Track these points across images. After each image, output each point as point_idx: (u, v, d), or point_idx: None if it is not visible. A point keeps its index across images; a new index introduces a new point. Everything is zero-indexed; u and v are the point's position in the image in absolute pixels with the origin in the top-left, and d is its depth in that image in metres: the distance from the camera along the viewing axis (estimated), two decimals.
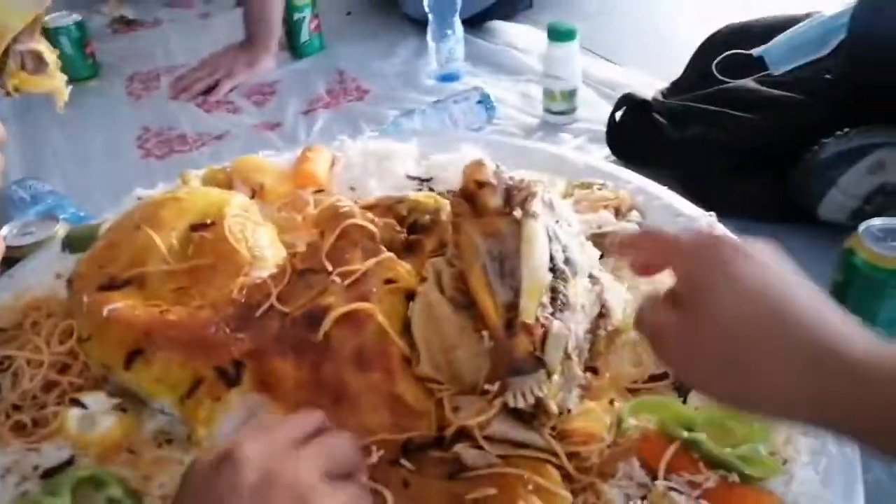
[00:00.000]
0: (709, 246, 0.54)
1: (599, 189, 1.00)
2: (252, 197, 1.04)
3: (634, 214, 0.96)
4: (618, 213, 0.95)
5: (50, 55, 0.77)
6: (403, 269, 0.81)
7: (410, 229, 0.90)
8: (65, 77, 0.79)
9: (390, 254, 0.83)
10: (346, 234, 0.86)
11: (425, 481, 0.65)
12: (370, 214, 0.90)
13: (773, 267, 0.52)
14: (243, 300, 0.79)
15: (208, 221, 0.88)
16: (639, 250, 0.61)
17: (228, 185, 1.06)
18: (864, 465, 0.66)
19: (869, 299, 0.86)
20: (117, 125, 1.63)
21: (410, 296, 0.78)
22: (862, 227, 0.85)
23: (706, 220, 0.94)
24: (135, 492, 0.70)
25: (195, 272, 0.84)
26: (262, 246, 0.89)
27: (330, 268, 0.80)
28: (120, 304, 0.78)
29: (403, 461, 0.66)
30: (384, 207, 0.93)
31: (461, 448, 0.66)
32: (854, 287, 0.87)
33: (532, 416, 0.65)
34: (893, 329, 0.86)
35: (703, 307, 0.52)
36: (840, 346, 0.47)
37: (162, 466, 0.72)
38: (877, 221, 0.85)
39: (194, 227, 0.88)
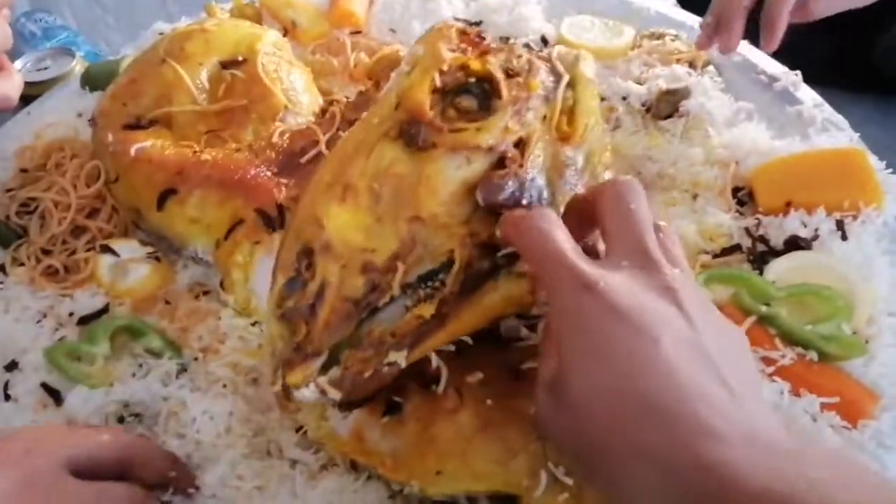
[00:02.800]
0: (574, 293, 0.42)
1: (673, 40, 0.89)
2: (284, 35, 0.94)
3: (711, 70, 0.86)
4: (692, 66, 0.86)
5: None
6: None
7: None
8: None
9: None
10: None
11: (478, 349, 0.61)
12: None
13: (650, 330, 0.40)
14: (286, 145, 0.72)
15: (240, 58, 0.80)
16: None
17: (258, 21, 0.97)
18: None
19: None
20: None
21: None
22: None
23: (789, 79, 0.84)
24: (173, 343, 0.67)
25: (227, 114, 0.77)
26: (298, 90, 0.82)
27: None
28: (148, 143, 0.72)
29: None
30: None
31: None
32: None
33: None
34: None
35: (564, 391, 0.43)
36: (703, 445, 0.37)
37: (199, 318, 0.69)
38: None
39: (225, 65, 0.79)
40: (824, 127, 0.78)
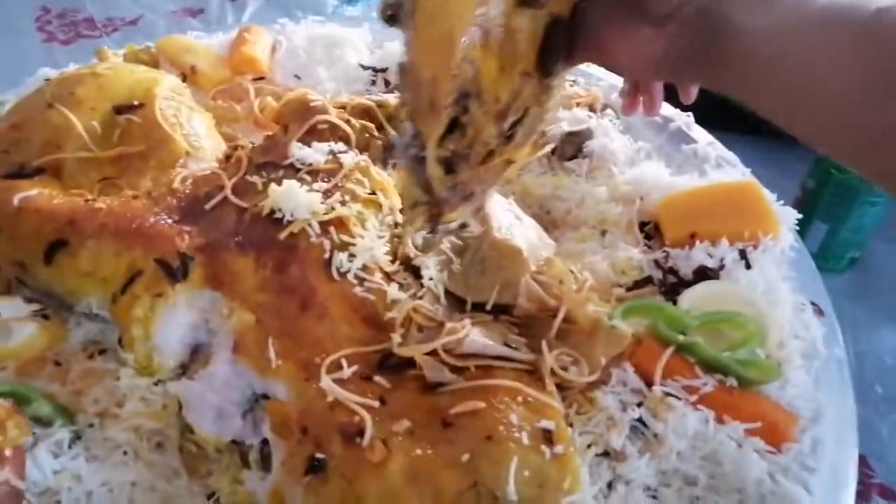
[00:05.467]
0: None
1: (572, 86, 0.93)
2: (183, 81, 0.91)
3: (609, 112, 0.89)
4: (591, 109, 0.89)
5: None
6: (382, 180, 0.73)
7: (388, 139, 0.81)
8: None
9: (366, 157, 0.74)
10: (316, 131, 0.77)
11: (403, 396, 0.58)
12: (345, 114, 0.80)
13: None
14: (188, 191, 0.68)
15: (136, 103, 0.75)
16: None
17: (154, 66, 0.93)
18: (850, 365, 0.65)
19: (838, 205, 0.86)
20: (10, 3, 1.42)
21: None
22: None
23: (683, 120, 0.89)
24: (65, 409, 0.60)
25: (123, 161, 0.72)
26: (199, 135, 0.78)
27: (298, 165, 0.71)
28: (34, 191, 0.66)
29: (378, 378, 0.59)
30: (361, 109, 0.83)
31: (422, 359, 0.59)
32: (825, 192, 0.86)
33: None
34: (858, 235, 0.86)
35: None
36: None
37: (95, 379, 0.63)
38: None
39: (119, 110, 0.75)
40: (718, 163, 0.82)
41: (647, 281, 0.72)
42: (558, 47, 0.58)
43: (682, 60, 0.51)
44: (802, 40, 0.44)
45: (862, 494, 0.74)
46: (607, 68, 0.62)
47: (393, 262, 0.68)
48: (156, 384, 0.62)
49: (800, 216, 0.76)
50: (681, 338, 0.61)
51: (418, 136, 0.54)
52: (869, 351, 0.85)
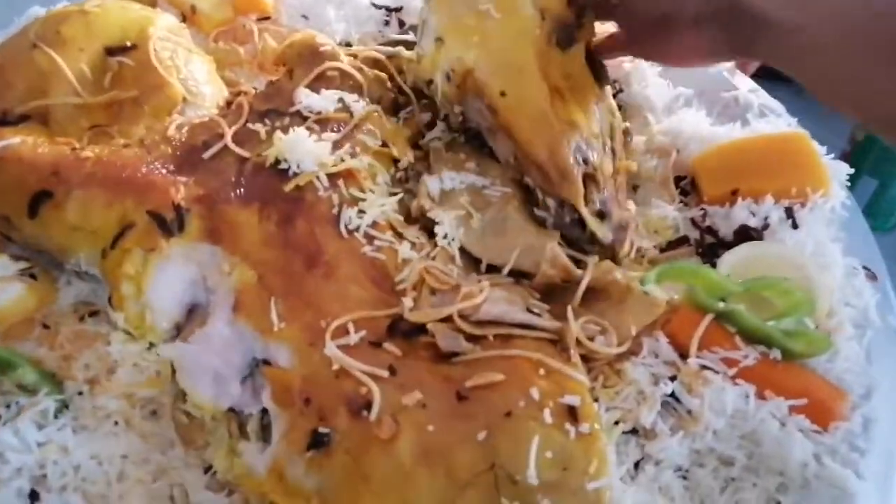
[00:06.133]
0: None
1: (603, 24, 0.85)
2: (182, 21, 0.84)
3: None
4: None
5: None
6: (395, 130, 0.68)
7: (401, 91, 0.75)
8: None
9: (377, 106, 0.69)
10: (325, 79, 0.70)
11: (415, 365, 0.53)
12: (357, 62, 0.74)
13: None
14: (184, 139, 0.63)
15: (129, 44, 0.70)
16: None
17: (151, 5, 0.86)
18: None
19: (887, 158, 0.79)
20: None
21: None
22: None
23: (724, 65, 0.81)
24: (53, 375, 0.56)
25: (114, 107, 0.67)
26: (198, 80, 0.73)
27: (305, 112, 0.65)
28: (17, 139, 0.61)
29: (388, 345, 0.54)
30: (372, 59, 0.76)
31: (434, 327, 0.54)
32: (874, 144, 0.79)
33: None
34: None
35: None
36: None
37: (86, 343, 0.59)
38: None
39: (111, 51, 0.69)
40: (762, 112, 0.76)
41: (683, 241, 0.66)
42: (602, 64, 0.68)
43: (726, 53, 0.59)
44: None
45: None
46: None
47: (406, 220, 0.63)
48: (149, 348, 0.58)
49: (851, 171, 0.69)
50: (720, 305, 0.56)
51: (564, 205, 0.61)
52: None
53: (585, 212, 0.61)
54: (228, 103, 0.73)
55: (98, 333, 0.59)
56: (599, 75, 0.68)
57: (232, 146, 0.63)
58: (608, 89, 0.70)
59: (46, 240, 0.61)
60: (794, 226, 0.63)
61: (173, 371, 0.56)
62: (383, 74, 0.73)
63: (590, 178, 0.62)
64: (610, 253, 0.63)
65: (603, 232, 0.62)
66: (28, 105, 0.66)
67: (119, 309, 0.59)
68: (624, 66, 0.80)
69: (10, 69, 0.67)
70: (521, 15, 0.64)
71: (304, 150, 0.61)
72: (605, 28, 0.69)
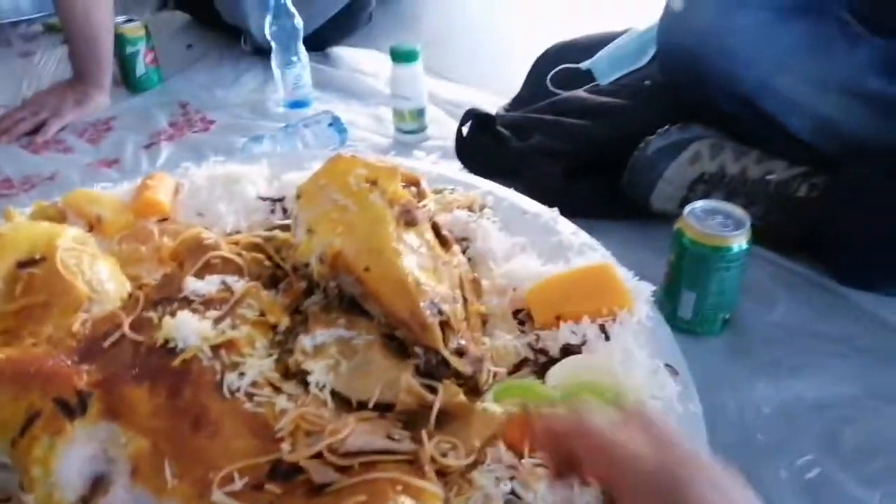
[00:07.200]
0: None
1: (451, 192, 1.03)
2: (89, 231, 0.97)
3: (487, 211, 0.99)
4: (471, 210, 0.99)
5: None
6: (272, 301, 0.80)
7: (279, 267, 0.89)
8: None
9: (257, 282, 0.82)
10: (210, 266, 0.83)
11: (293, 501, 0.62)
12: (236, 248, 0.87)
13: None
14: (88, 332, 0.73)
15: (37, 257, 0.81)
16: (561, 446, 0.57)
17: (61, 220, 0.99)
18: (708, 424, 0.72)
19: (698, 274, 0.94)
20: None
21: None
22: (686, 209, 0.93)
23: (550, 215, 0.99)
24: None
25: (25, 312, 0.77)
26: (102, 279, 0.84)
27: (192, 297, 0.77)
28: None
29: (269, 486, 0.63)
30: (251, 244, 0.91)
31: (306, 463, 0.64)
32: (685, 263, 0.94)
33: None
34: (723, 298, 0.95)
35: None
36: None
37: None
38: (699, 204, 0.94)
39: (21, 265, 0.81)
40: (581, 250, 0.92)
41: (524, 363, 0.79)
42: (445, 236, 0.87)
43: None
44: None
45: None
46: None
47: (285, 375, 0.74)
48: None
49: (654, 288, 0.85)
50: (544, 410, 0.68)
51: (429, 350, 0.73)
52: (748, 404, 0.92)
53: (446, 353, 0.73)
54: (130, 295, 0.84)
55: None
56: (444, 242, 0.84)
57: (129, 333, 0.74)
58: (456, 248, 0.86)
59: None
60: (607, 338, 0.77)
61: None
62: (260, 255, 0.87)
63: (446, 325, 0.74)
64: (472, 383, 0.75)
65: (463, 366, 0.74)
66: None
67: (30, 491, 0.65)
68: (470, 226, 0.96)
69: None
70: (374, 207, 0.80)
71: (190, 328, 0.72)
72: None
